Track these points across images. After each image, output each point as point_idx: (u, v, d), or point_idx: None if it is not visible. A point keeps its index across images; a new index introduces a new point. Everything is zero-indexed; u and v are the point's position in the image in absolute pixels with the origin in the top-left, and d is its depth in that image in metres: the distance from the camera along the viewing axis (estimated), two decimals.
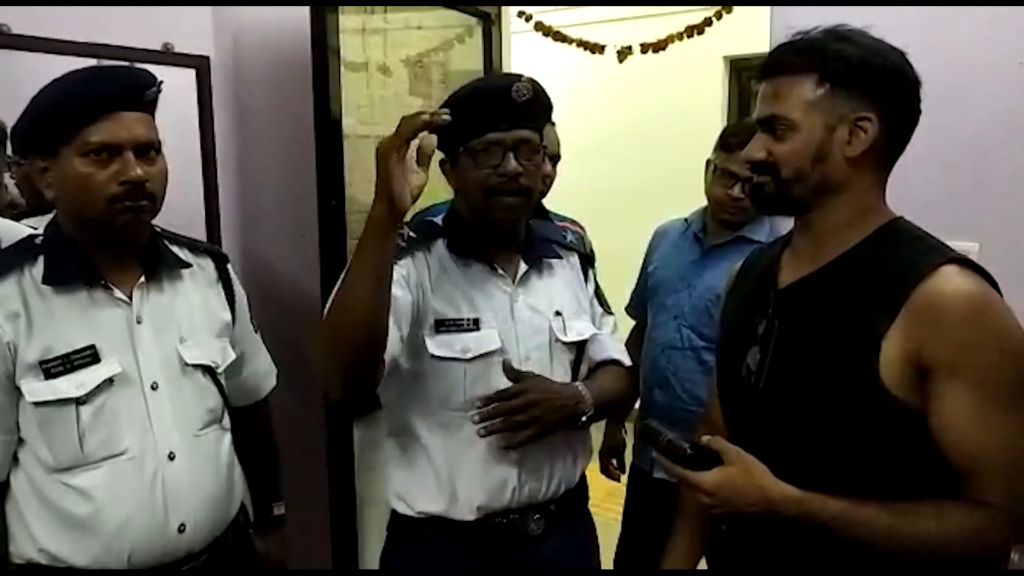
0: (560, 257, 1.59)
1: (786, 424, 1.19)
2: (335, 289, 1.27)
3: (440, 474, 1.45)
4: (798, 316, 1.20)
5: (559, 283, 1.55)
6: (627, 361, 1.60)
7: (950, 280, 1.07)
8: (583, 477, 1.60)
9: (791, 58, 1.14)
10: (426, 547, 1.48)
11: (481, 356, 1.43)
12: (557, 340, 1.49)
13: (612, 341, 1.61)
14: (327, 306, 1.28)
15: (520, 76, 1.42)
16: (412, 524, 1.49)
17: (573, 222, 2.41)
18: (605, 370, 1.57)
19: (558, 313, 1.51)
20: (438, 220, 1.53)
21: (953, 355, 1.06)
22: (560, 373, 1.50)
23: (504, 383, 1.41)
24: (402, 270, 1.41)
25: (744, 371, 1.25)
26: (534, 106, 1.43)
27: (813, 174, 1.15)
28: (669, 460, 1.17)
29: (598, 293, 1.65)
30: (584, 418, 1.43)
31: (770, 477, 1.13)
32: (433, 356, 1.43)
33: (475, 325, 1.44)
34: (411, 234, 1.47)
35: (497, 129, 1.39)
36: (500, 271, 1.48)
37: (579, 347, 1.53)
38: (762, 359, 1.22)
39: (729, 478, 1.13)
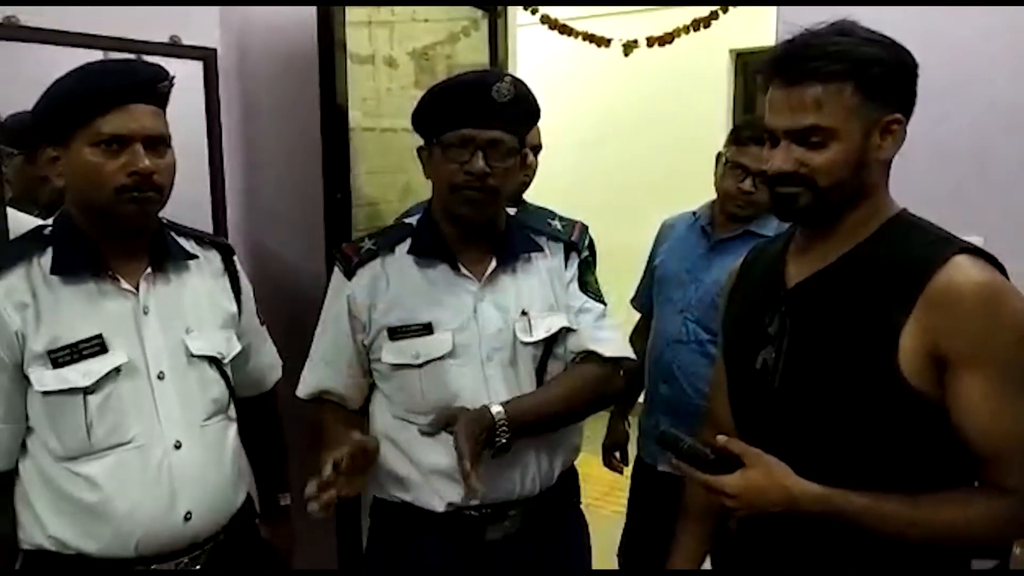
0: (541, 249, 1.54)
1: (805, 421, 1.18)
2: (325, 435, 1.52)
3: (409, 470, 1.46)
4: (811, 314, 1.19)
5: (533, 279, 1.51)
6: (606, 351, 1.51)
7: (963, 270, 1.08)
8: (569, 476, 1.58)
9: (826, 65, 1.10)
10: (404, 534, 1.50)
11: (432, 361, 1.42)
12: (521, 342, 1.46)
13: (591, 331, 1.52)
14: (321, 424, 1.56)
15: (504, 75, 1.40)
16: (388, 508, 1.51)
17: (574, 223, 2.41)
18: (567, 372, 1.50)
19: (524, 313, 1.47)
20: (413, 220, 1.53)
21: (970, 344, 1.07)
22: (525, 373, 1.48)
23: (461, 385, 1.42)
24: (347, 296, 1.47)
25: (757, 371, 1.25)
26: (514, 108, 1.40)
27: (852, 181, 1.13)
28: (690, 466, 1.17)
29: (584, 280, 1.58)
30: (499, 443, 1.36)
31: (792, 476, 1.13)
32: (389, 364, 1.45)
33: (427, 330, 1.43)
34: (370, 246, 1.49)
35: (471, 125, 1.38)
36: (464, 271, 1.46)
37: (547, 344, 1.49)
38: (776, 358, 1.22)
39: (752, 480, 1.13)
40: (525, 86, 1.43)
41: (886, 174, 1.18)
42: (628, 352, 1.56)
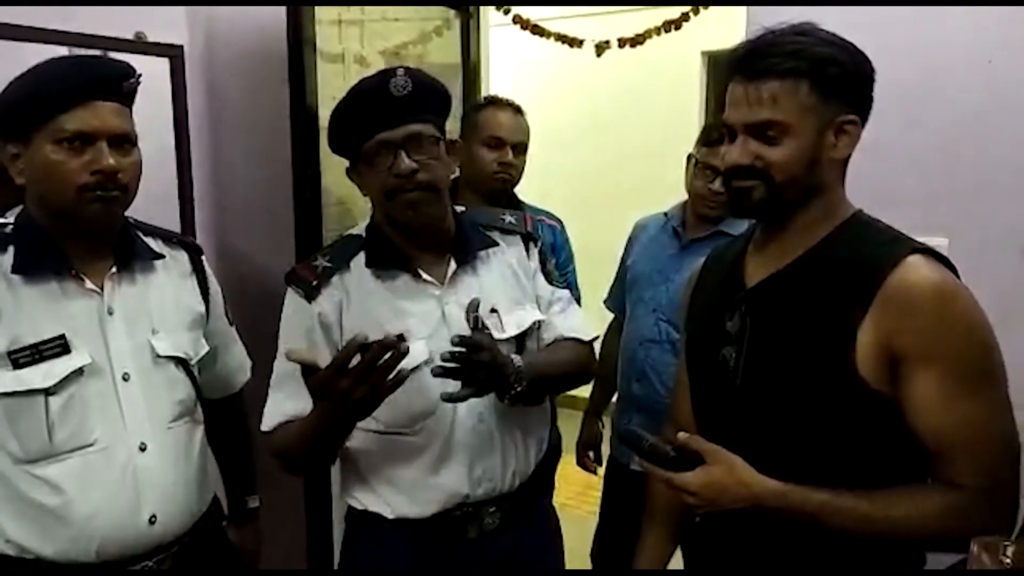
0: (497, 244, 1.53)
1: (766, 419, 1.20)
2: (295, 438, 1.39)
3: (388, 481, 1.44)
4: (771, 313, 1.21)
5: (495, 276, 1.50)
6: (583, 336, 1.56)
7: (916, 270, 1.10)
8: (542, 470, 1.58)
9: (783, 62, 1.13)
10: (381, 539, 1.47)
11: (411, 371, 1.36)
12: (495, 340, 1.43)
13: (563, 319, 1.55)
14: (284, 440, 1.42)
15: (396, 70, 1.37)
16: (366, 517, 1.48)
17: (550, 215, 2.41)
18: (556, 344, 1.53)
19: (493, 310, 1.45)
20: (360, 231, 1.50)
21: (923, 342, 1.09)
22: None
23: (441, 390, 1.37)
24: (314, 317, 1.41)
25: (719, 369, 1.26)
26: (419, 97, 1.37)
27: (806, 178, 1.15)
28: (652, 464, 1.18)
29: (546, 271, 1.59)
30: (515, 390, 1.35)
31: (753, 473, 1.15)
32: None
33: (401, 340, 1.37)
34: (325, 264, 1.44)
35: (383, 129, 1.36)
36: (425, 277, 1.44)
37: (519, 339, 1.49)
38: (737, 357, 1.23)
39: (713, 477, 1.15)
40: (424, 74, 1.41)
41: (841, 175, 1.21)
42: (596, 334, 1.64)
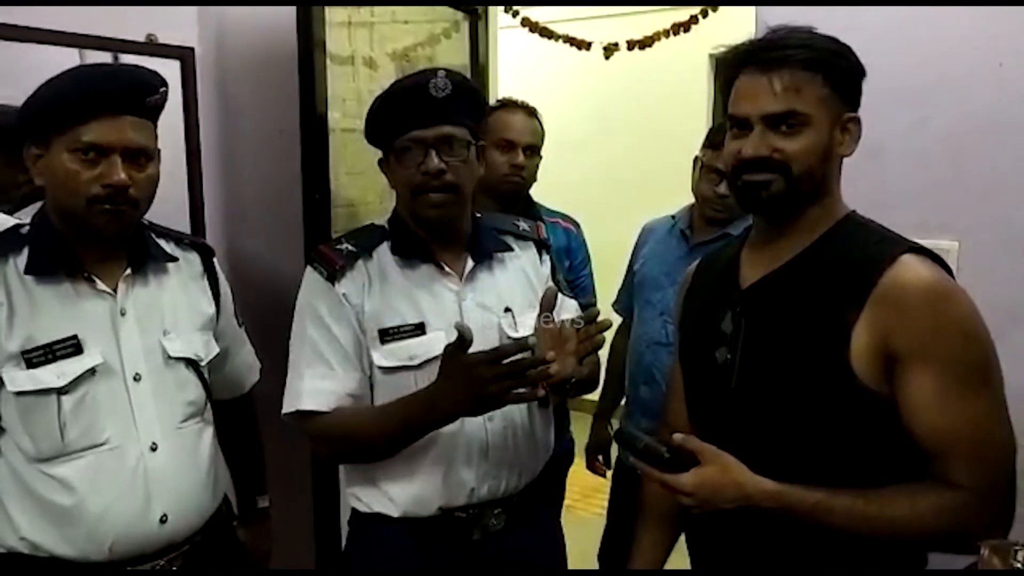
0: (512, 249, 1.56)
1: (761, 420, 1.20)
2: (368, 420, 1.41)
3: (395, 477, 1.44)
4: (766, 314, 1.21)
5: (510, 277, 1.53)
6: None
7: (910, 268, 1.10)
8: (549, 472, 1.59)
9: (800, 52, 1.13)
10: (385, 542, 1.47)
11: (429, 361, 1.39)
12: (508, 337, 1.46)
13: None
14: (343, 422, 1.41)
15: (438, 71, 1.39)
16: (370, 519, 1.48)
17: (566, 217, 2.41)
18: None
19: (507, 309, 1.48)
20: (383, 223, 1.52)
21: (918, 341, 1.09)
22: None
23: None
24: (339, 297, 1.41)
25: (714, 370, 1.26)
26: (456, 100, 1.40)
27: (820, 171, 1.16)
28: (647, 464, 1.18)
29: (556, 280, 1.62)
30: (572, 380, 1.34)
31: (747, 473, 1.15)
32: (381, 368, 1.42)
33: (420, 330, 1.41)
34: (350, 248, 1.46)
35: (418, 127, 1.38)
36: (447, 269, 1.46)
37: None
38: (732, 358, 1.23)
39: (707, 477, 1.15)
40: (464, 78, 1.44)
41: (839, 175, 1.21)
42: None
